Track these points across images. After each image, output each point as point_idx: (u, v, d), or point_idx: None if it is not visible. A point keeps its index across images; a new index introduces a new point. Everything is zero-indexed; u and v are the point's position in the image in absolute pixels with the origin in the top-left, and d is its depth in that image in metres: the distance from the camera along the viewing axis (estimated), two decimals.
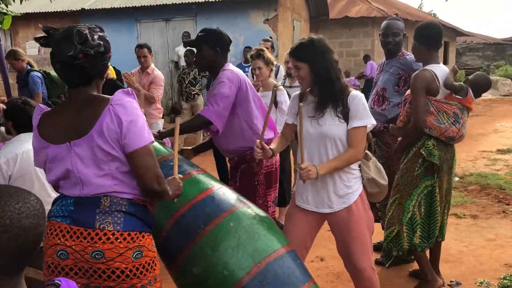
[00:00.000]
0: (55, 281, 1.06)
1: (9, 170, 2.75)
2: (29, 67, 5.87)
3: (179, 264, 2.14)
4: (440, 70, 3.04)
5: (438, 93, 3.01)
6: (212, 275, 2.05)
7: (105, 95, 1.80)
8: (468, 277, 3.45)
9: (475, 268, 3.60)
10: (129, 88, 1.80)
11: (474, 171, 6.48)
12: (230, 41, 3.06)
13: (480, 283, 3.35)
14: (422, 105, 2.98)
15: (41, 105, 1.90)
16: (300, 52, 2.46)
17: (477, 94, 3.15)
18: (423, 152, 3.03)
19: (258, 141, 2.54)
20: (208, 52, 2.96)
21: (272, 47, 6.34)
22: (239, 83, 2.95)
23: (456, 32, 22.65)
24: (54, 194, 2.95)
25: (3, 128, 3.54)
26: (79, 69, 1.74)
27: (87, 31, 1.75)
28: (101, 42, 1.78)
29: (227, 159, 3.38)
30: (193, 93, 7.96)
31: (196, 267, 2.08)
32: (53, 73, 6.13)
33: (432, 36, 3.07)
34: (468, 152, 7.80)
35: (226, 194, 2.33)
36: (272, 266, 2.08)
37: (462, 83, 3.09)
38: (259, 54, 4.25)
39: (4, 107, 3.68)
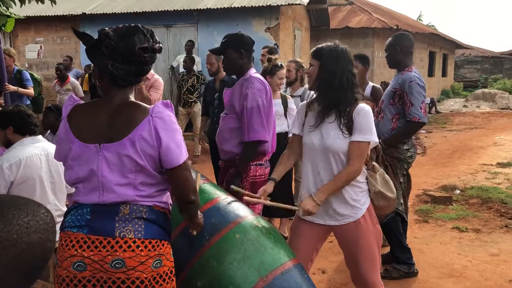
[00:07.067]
0: None
1: (11, 176, 2.69)
2: (16, 68, 6.40)
3: (184, 276, 2.07)
4: None
5: None
6: None
7: (143, 104, 1.77)
8: None
9: (480, 284, 3.54)
10: (168, 101, 1.78)
11: (475, 184, 6.44)
12: (253, 42, 3.14)
13: None
14: None
15: (74, 96, 1.88)
16: (318, 50, 2.46)
17: None
18: None
19: (245, 198, 2.47)
20: (234, 55, 3.04)
21: (271, 52, 6.09)
22: (265, 93, 3.01)
23: (455, 45, 22.76)
24: (56, 202, 2.90)
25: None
26: (141, 64, 1.75)
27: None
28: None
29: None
30: (190, 100, 7.91)
31: (201, 280, 2.02)
32: (34, 74, 7.13)
33: None
34: (468, 165, 7.77)
35: (232, 204, 2.27)
36: (279, 280, 2.01)
37: None
38: (282, 65, 4.27)
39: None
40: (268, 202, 2.55)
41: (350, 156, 2.35)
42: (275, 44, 6.40)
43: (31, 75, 6.69)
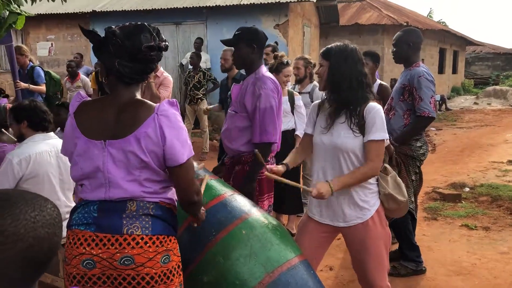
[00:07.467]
0: None
1: (20, 171, 2.73)
2: (31, 64, 6.33)
3: (190, 272, 2.09)
4: None
5: None
6: (224, 284, 2.00)
7: (149, 101, 1.78)
8: None
9: (489, 282, 3.52)
10: (174, 99, 1.80)
11: (484, 181, 6.38)
12: (267, 38, 3.08)
13: None
14: None
15: (82, 93, 1.90)
16: (327, 51, 2.44)
17: None
18: None
19: (266, 173, 2.48)
20: (246, 49, 2.97)
21: (274, 51, 6.06)
22: (277, 93, 2.98)
23: (466, 41, 22.54)
24: (64, 198, 2.93)
25: (11, 130, 3.54)
26: (147, 62, 1.77)
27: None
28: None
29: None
30: (196, 97, 7.89)
31: (207, 275, 2.04)
32: (52, 73, 6.97)
33: None
34: (478, 163, 7.70)
35: (239, 201, 2.28)
36: (285, 276, 2.03)
37: None
38: (288, 62, 4.24)
39: (10, 105, 3.70)
40: (285, 180, 2.45)
41: (368, 156, 2.33)
42: (275, 42, 6.38)
43: (49, 73, 6.65)
